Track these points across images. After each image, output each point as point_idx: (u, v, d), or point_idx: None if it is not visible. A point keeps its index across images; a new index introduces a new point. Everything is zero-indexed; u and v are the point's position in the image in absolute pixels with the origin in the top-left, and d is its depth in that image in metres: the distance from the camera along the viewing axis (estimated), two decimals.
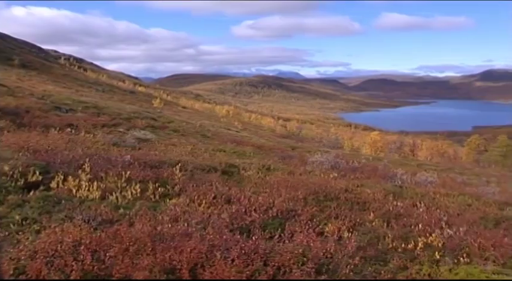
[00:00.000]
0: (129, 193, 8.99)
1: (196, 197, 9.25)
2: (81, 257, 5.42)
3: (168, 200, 9.08)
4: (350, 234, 7.82)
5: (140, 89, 59.96)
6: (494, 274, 6.22)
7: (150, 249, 5.78)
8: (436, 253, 7.27)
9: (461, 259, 7.10)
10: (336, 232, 7.88)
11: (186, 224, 7.27)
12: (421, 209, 10.70)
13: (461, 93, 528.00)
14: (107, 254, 5.60)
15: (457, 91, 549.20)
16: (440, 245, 7.88)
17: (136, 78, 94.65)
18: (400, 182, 15.46)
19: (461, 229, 8.95)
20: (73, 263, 5.25)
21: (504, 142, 62.04)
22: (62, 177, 9.11)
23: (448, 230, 8.85)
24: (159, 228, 6.73)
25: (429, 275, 6.19)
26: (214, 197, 9.44)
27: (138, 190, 9.12)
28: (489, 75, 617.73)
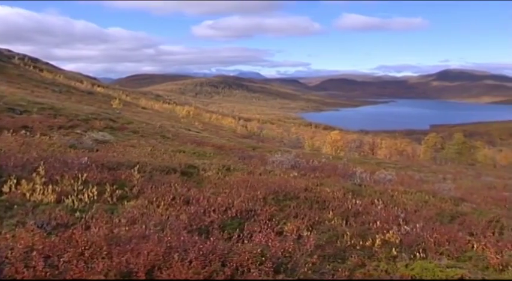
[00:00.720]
0: (86, 195, 8.77)
1: (154, 199, 9.13)
2: (33, 263, 5.25)
3: (126, 203, 8.93)
4: (309, 233, 7.86)
5: (99, 89, 58.84)
6: (448, 267, 6.36)
7: (105, 253, 5.66)
8: (393, 249, 7.39)
9: (418, 254, 7.24)
10: (295, 231, 7.91)
11: (144, 227, 7.16)
12: (379, 207, 10.87)
13: (419, 93, 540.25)
14: (61, 259, 5.45)
15: (415, 91, 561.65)
16: (397, 241, 8.02)
17: (94, 78, 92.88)
18: (359, 181, 15.66)
19: (418, 225, 9.13)
20: (24, 270, 5.09)
21: (460, 140, 63.84)
22: (15, 181, 8.80)
23: (405, 227, 9.02)
24: (115, 231, 6.61)
25: (386, 271, 6.27)
26: (173, 199, 9.34)
27: (95, 193, 8.91)
28: (445, 75, 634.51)
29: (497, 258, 7.09)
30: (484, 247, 7.78)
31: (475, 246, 7.97)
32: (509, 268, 6.66)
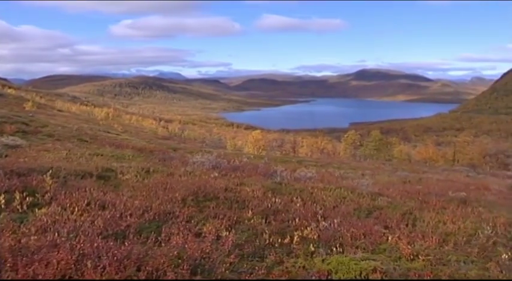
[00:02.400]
0: None
1: (68, 205, 8.76)
2: None
3: (37, 210, 8.49)
4: (228, 233, 7.84)
5: (9, 91, 56.15)
6: (362, 260, 6.55)
7: (10, 265, 5.35)
8: (311, 245, 7.52)
9: (335, 249, 7.41)
10: (214, 232, 7.86)
11: (55, 235, 6.84)
12: (298, 204, 11.02)
13: (338, 92, 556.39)
14: None
15: (334, 90, 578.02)
16: (315, 237, 8.17)
17: (5, 79, 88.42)
18: (279, 179, 15.85)
19: (335, 220, 9.35)
20: None
21: (377, 137, 66.44)
22: None
23: (324, 223, 9.21)
24: (23, 241, 6.27)
25: (304, 267, 6.36)
26: (88, 204, 9.01)
27: (3, 201, 8.42)
28: (363, 74, 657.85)
29: (408, 249, 7.39)
30: (398, 239, 8.09)
31: (389, 238, 8.26)
32: (419, 257, 6.95)
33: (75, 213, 8.36)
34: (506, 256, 6.86)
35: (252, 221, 9.18)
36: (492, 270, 6.21)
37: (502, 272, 6.07)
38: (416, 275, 5.91)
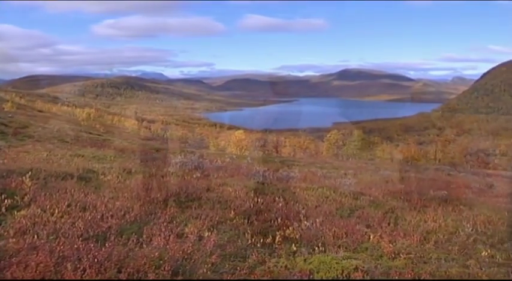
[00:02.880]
0: None
1: (48, 207, 8.65)
2: None
3: (16, 213, 8.38)
4: (210, 233, 7.80)
5: None
6: (344, 259, 6.58)
7: None
8: (293, 245, 7.51)
9: (317, 248, 7.42)
10: (196, 232, 7.82)
11: (35, 237, 6.75)
12: (280, 204, 11.00)
13: (321, 92, 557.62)
14: None
15: (317, 90, 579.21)
16: (297, 237, 8.17)
17: None
18: (262, 179, 15.83)
19: (317, 220, 9.36)
20: None
21: (360, 136, 66.88)
22: None
23: (306, 222, 9.21)
24: (1, 243, 6.18)
25: (286, 267, 6.36)
26: (68, 205, 8.91)
27: None
28: (345, 74, 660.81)
29: (390, 247, 7.42)
30: (380, 238, 8.13)
31: (371, 237, 8.29)
32: (401, 255, 6.99)
33: (55, 215, 8.25)
34: (486, 253, 6.94)
35: (235, 221, 9.15)
36: (472, 267, 6.27)
37: (481, 269, 6.13)
38: (398, 273, 5.95)
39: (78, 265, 5.49)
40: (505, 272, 5.97)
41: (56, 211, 8.45)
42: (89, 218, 8.19)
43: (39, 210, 8.54)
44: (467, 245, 7.59)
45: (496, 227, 9.05)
